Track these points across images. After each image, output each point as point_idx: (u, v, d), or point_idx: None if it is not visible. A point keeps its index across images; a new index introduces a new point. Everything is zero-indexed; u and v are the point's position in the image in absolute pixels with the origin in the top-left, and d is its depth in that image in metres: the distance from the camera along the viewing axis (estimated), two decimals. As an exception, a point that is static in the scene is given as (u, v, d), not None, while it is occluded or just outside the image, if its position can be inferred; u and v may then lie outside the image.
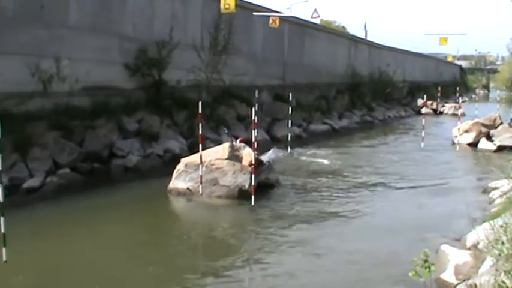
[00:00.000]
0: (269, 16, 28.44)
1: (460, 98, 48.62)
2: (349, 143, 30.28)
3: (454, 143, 29.42)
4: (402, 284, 9.79)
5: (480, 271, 9.02)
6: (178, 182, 16.83)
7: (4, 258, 10.38)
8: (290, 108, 26.76)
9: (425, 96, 38.66)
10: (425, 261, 6.71)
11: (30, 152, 17.51)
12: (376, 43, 57.04)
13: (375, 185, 19.06)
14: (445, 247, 10.79)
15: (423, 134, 29.24)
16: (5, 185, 11.57)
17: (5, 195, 10.85)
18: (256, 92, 23.74)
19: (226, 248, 12.49)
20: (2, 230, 10.35)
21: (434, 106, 52.66)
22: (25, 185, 16.59)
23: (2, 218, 10.35)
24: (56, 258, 11.46)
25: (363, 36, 60.49)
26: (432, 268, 6.65)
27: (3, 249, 10.36)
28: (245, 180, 16.13)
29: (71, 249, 12.08)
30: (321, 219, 14.51)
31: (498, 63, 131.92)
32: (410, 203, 16.96)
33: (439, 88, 48.51)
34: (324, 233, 13.45)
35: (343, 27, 68.09)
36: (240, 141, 17.96)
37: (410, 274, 6.92)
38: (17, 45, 18.73)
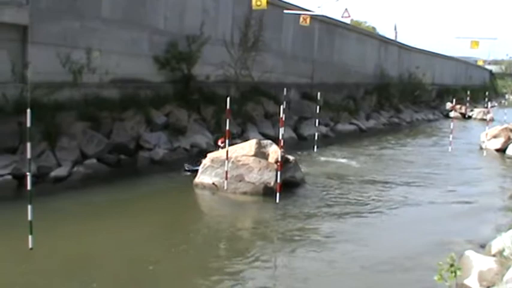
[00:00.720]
0: (300, 14, 28.38)
1: (489, 103, 48.23)
2: (376, 144, 30.12)
3: (481, 148, 29.17)
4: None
5: (505, 278, 8.94)
6: (204, 176, 16.89)
7: (30, 246, 10.50)
8: (318, 107, 26.72)
9: (454, 99, 38.31)
10: (451, 265, 6.68)
11: (58, 142, 17.67)
12: (406, 45, 56.66)
13: (400, 188, 18.95)
14: (469, 253, 10.70)
15: (451, 138, 29.01)
16: (33, 173, 11.70)
17: (33, 183, 10.97)
18: (285, 89, 23.71)
19: (245, 245, 12.49)
20: (29, 218, 10.45)
21: (463, 110, 52.09)
22: (52, 173, 16.73)
23: (29, 206, 10.45)
24: (80, 247, 11.51)
25: (393, 38, 59.98)
26: (458, 273, 6.61)
27: (30, 237, 10.48)
28: (271, 177, 16.14)
29: (95, 239, 12.15)
30: (343, 222, 14.46)
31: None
32: (435, 208, 16.78)
33: (468, 92, 48.07)
34: (345, 235, 13.37)
35: (373, 28, 67.55)
36: (220, 141, 18.43)
37: (435, 278, 6.89)
38: (49, 35, 18.89)
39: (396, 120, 43.75)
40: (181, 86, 24.28)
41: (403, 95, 49.47)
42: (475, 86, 77.05)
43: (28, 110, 10.49)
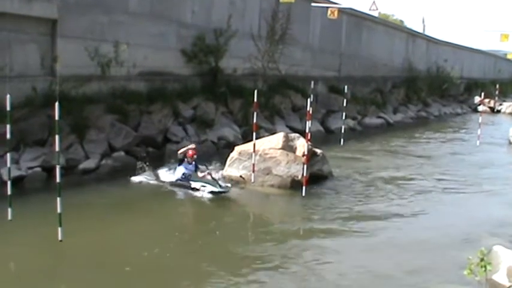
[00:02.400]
0: (327, 7, 28.26)
1: (518, 97, 47.68)
2: (404, 138, 29.93)
3: (510, 143, 28.90)
4: (456, 282, 9.69)
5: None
6: (232, 169, 16.91)
7: (59, 238, 10.58)
8: (345, 101, 26.64)
9: (482, 93, 37.96)
10: (482, 259, 6.62)
11: (86, 134, 17.78)
12: (434, 38, 56.13)
13: (426, 182, 18.78)
14: (497, 248, 10.60)
15: (479, 132, 28.75)
16: (61, 166, 11.78)
17: (61, 176, 11.04)
18: (312, 83, 23.65)
19: (269, 239, 12.39)
20: (59, 210, 10.53)
21: (492, 104, 51.49)
22: (81, 166, 16.85)
23: (58, 198, 10.53)
24: (108, 239, 11.63)
25: (421, 31, 59.50)
26: (488, 267, 6.55)
27: (59, 229, 10.56)
28: (298, 170, 16.10)
29: (123, 231, 12.26)
30: (370, 217, 14.34)
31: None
32: (463, 203, 16.66)
33: (497, 86, 47.57)
34: (371, 231, 13.27)
35: (401, 21, 67.12)
36: (191, 154, 15.91)
37: (465, 272, 6.84)
38: (78, 29, 19.02)
39: (424, 114, 43.50)
40: (208, 79, 24.33)
41: (431, 89, 49.13)
42: (504, 80, 76.14)
43: (57, 103, 10.55)
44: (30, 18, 17.60)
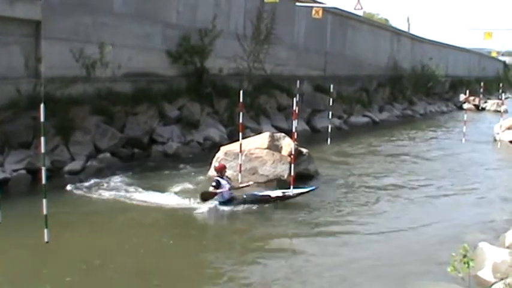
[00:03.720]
0: (312, 7, 28.29)
1: (503, 95, 47.74)
2: (389, 136, 30.01)
3: (495, 140, 29.01)
4: (440, 279, 9.73)
5: (519, 270, 8.92)
6: (218, 170, 16.87)
7: (46, 239, 10.55)
8: (331, 100, 26.68)
9: (467, 91, 38.11)
10: (464, 256, 6.66)
11: (72, 136, 17.77)
12: (419, 36, 56.41)
13: (412, 181, 18.80)
14: (483, 245, 10.67)
15: (464, 130, 28.92)
16: (47, 168, 11.73)
17: (47, 178, 11.00)
18: (298, 82, 23.65)
19: (257, 239, 12.43)
20: (45, 212, 10.50)
21: (477, 102, 51.76)
22: (66, 168, 16.82)
23: (44, 200, 10.50)
24: (93, 240, 11.58)
25: (405, 30, 59.70)
26: (471, 264, 6.58)
27: (45, 230, 10.53)
28: (284, 170, 16.13)
29: (108, 232, 12.23)
30: (357, 216, 14.37)
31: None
32: (448, 200, 16.70)
33: (482, 84, 47.81)
34: (358, 229, 13.30)
35: (386, 20, 67.39)
36: (222, 166, 15.23)
37: (448, 269, 6.87)
38: (62, 30, 18.97)
39: (409, 112, 43.68)
40: (194, 80, 24.32)
41: (416, 87, 49.36)
42: (489, 78, 76.51)
43: (42, 105, 10.52)
44: (13, 20, 17.52)
